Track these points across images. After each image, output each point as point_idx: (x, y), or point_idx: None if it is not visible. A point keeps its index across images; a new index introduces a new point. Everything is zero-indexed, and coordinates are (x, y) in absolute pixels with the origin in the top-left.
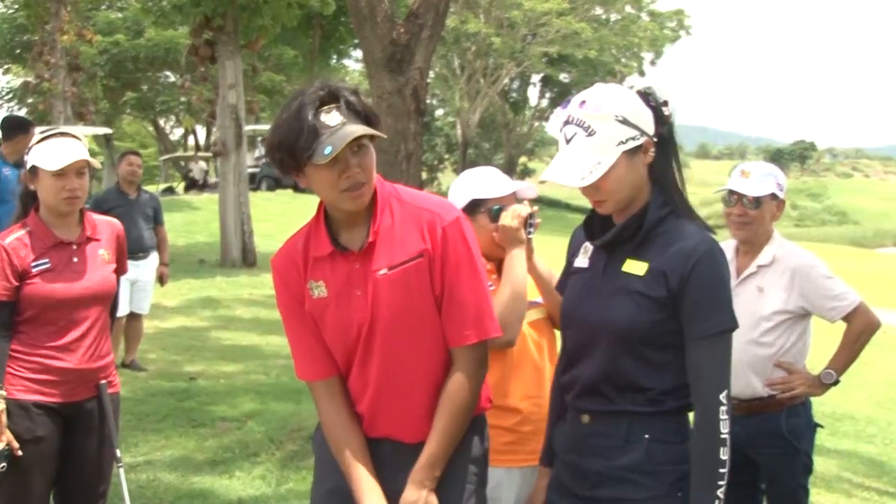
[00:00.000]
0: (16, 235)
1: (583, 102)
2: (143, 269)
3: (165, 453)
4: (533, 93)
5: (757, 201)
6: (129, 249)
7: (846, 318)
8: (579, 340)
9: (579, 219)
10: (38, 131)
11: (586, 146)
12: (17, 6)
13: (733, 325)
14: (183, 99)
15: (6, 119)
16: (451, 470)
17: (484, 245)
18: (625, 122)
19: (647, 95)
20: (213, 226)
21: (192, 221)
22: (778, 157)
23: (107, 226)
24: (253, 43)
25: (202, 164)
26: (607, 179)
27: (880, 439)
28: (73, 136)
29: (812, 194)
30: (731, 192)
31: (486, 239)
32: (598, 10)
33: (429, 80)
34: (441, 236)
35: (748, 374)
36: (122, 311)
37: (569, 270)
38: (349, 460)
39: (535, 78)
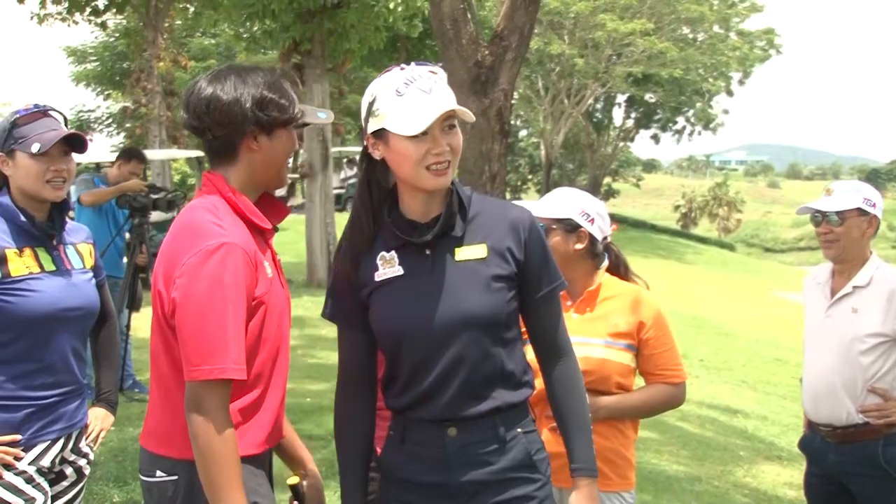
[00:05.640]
0: None
1: (421, 65)
2: None
3: None
4: (618, 113)
5: (840, 216)
6: None
7: None
8: (427, 347)
9: (664, 239)
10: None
11: (449, 91)
12: (117, 35)
13: (565, 281)
14: None
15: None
16: None
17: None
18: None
19: None
20: (299, 246)
21: (279, 242)
22: (874, 176)
23: None
24: (339, 66)
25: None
26: (457, 135)
27: None
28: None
29: None
30: (817, 212)
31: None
32: (685, 30)
33: (513, 102)
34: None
35: (842, 397)
36: None
37: (364, 290)
38: None
39: (620, 98)
